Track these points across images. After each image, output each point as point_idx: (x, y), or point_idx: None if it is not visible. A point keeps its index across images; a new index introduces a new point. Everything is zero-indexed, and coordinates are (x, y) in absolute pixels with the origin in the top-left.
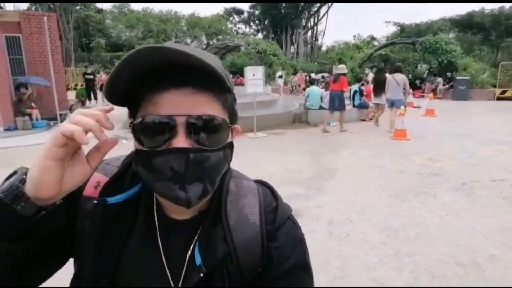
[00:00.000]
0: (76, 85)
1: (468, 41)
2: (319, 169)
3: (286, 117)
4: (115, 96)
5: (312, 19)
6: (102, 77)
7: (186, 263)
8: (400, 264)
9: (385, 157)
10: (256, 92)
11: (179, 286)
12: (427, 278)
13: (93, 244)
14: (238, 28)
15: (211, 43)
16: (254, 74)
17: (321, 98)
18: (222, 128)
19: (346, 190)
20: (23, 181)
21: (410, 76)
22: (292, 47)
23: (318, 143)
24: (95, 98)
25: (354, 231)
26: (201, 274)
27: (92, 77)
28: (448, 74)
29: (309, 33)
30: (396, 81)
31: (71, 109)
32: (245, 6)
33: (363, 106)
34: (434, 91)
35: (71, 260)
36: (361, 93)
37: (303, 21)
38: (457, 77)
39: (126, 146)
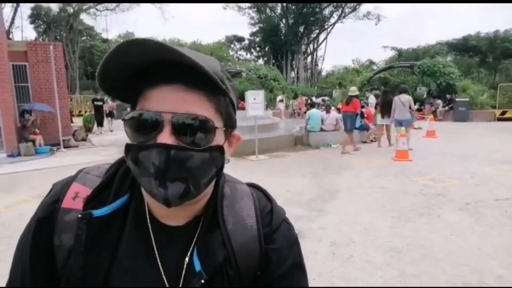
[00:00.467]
0: (80, 111)
1: (465, 63)
2: (321, 191)
3: (287, 140)
4: (109, 90)
5: (311, 45)
6: (109, 103)
7: (184, 270)
8: (406, 285)
9: (388, 178)
10: (257, 115)
11: None
12: None
13: (80, 259)
14: (240, 55)
15: None
16: (255, 98)
17: (322, 120)
18: (210, 129)
19: (348, 211)
20: None
21: None
22: (293, 72)
23: (320, 165)
24: (102, 125)
25: (357, 252)
26: (202, 281)
27: (101, 103)
28: (448, 96)
29: (309, 58)
30: (402, 102)
31: (74, 135)
32: (245, 34)
33: (364, 128)
34: (434, 113)
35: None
36: (361, 115)
37: (303, 47)
38: (457, 99)
39: None
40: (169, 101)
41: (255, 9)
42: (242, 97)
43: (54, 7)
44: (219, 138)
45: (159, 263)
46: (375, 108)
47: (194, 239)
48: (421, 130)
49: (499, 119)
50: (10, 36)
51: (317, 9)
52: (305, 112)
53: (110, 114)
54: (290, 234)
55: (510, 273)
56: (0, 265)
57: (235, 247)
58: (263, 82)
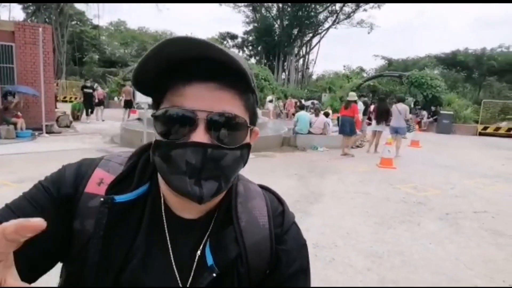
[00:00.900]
0: (65, 97)
1: (452, 78)
2: (306, 193)
3: (275, 140)
4: (143, 84)
5: (304, 48)
6: (99, 91)
7: (195, 262)
8: None
9: (372, 184)
10: None
11: (188, 286)
12: None
13: (99, 243)
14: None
15: None
16: None
17: (310, 123)
18: (242, 128)
19: (332, 214)
20: None
21: None
22: (284, 73)
23: (306, 168)
24: (92, 113)
25: (339, 255)
26: (214, 274)
27: (91, 91)
28: (433, 108)
29: (301, 61)
30: (399, 110)
31: (57, 121)
32: (239, 31)
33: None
34: (419, 123)
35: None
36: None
37: (296, 49)
38: (441, 111)
39: None
40: (203, 99)
41: (250, 8)
42: None
43: None
44: (247, 136)
45: (171, 254)
46: (363, 114)
47: (207, 233)
48: (406, 139)
49: (480, 134)
50: None
51: (312, 13)
52: (293, 114)
53: (101, 103)
54: (300, 237)
55: (485, 284)
56: None
57: (247, 245)
58: None
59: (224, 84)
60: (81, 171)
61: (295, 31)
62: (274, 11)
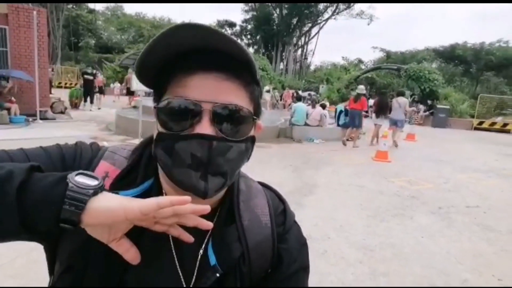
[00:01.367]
0: (60, 83)
1: (450, 72)
2: (300, 184)
3: (271, 131)
4: (147, 74)
5: (303, 38)
6: (99, 78)
7: (198, 261)
8: (375, 283)
9: (366, 177)
10: None
11: (191, 285)
12: None
13: None
14: None
15: None
16: None
17: (307, 115)
18: (247, 120)
19: (325, 206)
20: (95, 193)
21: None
22: (282, 63)
23: (301, 159)
24: (91, 102)
25: (332, 248)
26: (217, 274)
27: (91, 77)
28: (429, 102)
29: (299, 51)
30: (399, 103)
31: (52, 107)
32: (238, 20)
33: (346, 126)
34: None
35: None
36: (346, 113)
37: (294, 39)
38: (438, 105)
39: None
40: (208, 90)
41: None
42: None
43: None
44: (252, 128)
45: (174, 253)
46: None
47: (210, 232)
48: (402, 132)
49: (476, 128)
50: None
51: (312, 3)
52: (289, 105)
53: (100, 90)
54: (300, 235)
55: (474, 278)
56: None
57: (250, 244)
58: None
59: (229, 75)
60: (93, 162)
61: (294, 21)
62: None
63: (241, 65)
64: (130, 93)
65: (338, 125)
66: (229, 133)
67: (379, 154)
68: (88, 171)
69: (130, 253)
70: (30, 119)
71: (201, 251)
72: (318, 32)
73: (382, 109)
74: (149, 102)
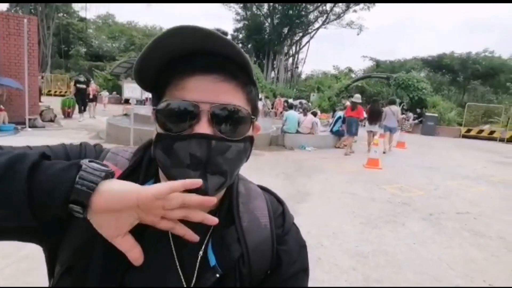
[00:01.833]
0: (49, 91)
1: (437, 80)
2: (293, 192)
3: (263, 139)
4: (146, 78)
5: (294, 47)
6: (93, 86)
7: (198, 262)
8: None
9: (358, 184)
10: None
11: (192, 286)
12: None
13: (104, 239)
14: None
15: None
16: None
17: (299, 123)
18: (245, 120)
19: (319, 214)
20: (107, 177)
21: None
22: (273, 72)
23: (293, 167)
24: (84, 110)
25: (325, 255)
26: (217, 275)
27: (85, 86)
28: (418, 110)
29: (290, 60)
30: (392, 111)
31: (41, 115)
32: (229, 29)
33: (340, 134)
34: (402, 125)
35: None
36: (343, 120)
37: (285, 48)
38: (426, 114)
39: None
40: (206, 91)
41: (241, 5)
42: None
43: None
44: (250, 128)
45: (174, 253)
46: None
47: (209, 233)
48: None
49: (464, 136)
50: None
51: (303, 13)
52: (281, 113)
53: (94, 99)
54: (299, 237)
55: (466, 284)
56: None
57: (250, 245)
58: None
59: (227, 76)
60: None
61: (286, 30)
62: (265, 9)
63: (238, 67)
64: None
65: (331, 131)
66: (228, 133)
67: (370, 162)
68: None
69: (134, 252)
70: (19, 127)
71: (201, 252)
72: (309, 41)
73: (375, 117)
74: (142, 110)
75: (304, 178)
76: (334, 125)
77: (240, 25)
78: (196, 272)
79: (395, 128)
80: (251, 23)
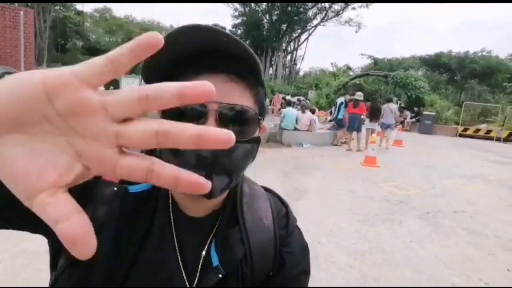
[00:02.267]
0: None
1: (435, 79)
2: (291, 190)
3: (261, 136)
4: (155, 77)
5: (292, 44)
6: None
7: (201, 262)
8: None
9: (356, 182)
10: None
11: (194, 285)
12: None
13: (111, 233)
14: None
15: None
16: None
17: (297, 120)
18: (253, 121)
19: (316, 211)
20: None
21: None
22: (271, 69)
23: (291, 164)
24: None
25: (322, 252)
26: (220, 275)
27: None
28: (415, 108)
29: (289, 57)
30: (390, 109)
31: None
32: (228, 25)
33: (341, 125)
34: (402, 123)
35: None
36: (346, 105)
37: (284, 45)
38: (424, 112)
39: None
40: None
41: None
42: None
43: None
44: (257, 129)
45: (178, 252)
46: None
47: (213, 233)
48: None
49: (460, 135)
50: None
51: (301, 9)
52: (279, 110)
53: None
54: (302, 239)
55: (462, 282)
56: None
57: (253, 246)
58: None
59: (236, 77)
60: None
61: (284, 27)
62: (264, 5)
63: (247, 68)
64: None
65: (336, 118)
66: (235, 133)
67: (367, 160)
68: None
69: (71, 229)
70: None
71: (204, 252)
72: (307, 38)
73: (375, 114)
74: None
75: (302, 175)
76: (338, 112)
77: (238, 21)
78: (198, 271)
79: (392, 125)
80: (249, 19)
